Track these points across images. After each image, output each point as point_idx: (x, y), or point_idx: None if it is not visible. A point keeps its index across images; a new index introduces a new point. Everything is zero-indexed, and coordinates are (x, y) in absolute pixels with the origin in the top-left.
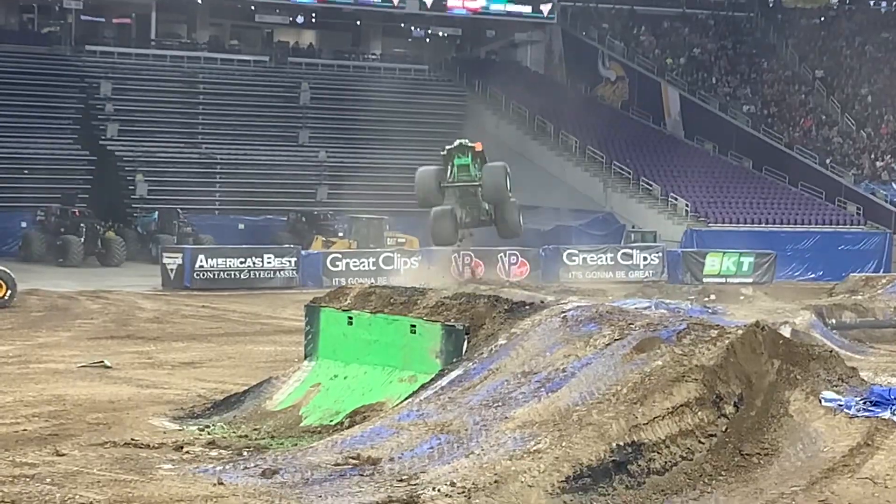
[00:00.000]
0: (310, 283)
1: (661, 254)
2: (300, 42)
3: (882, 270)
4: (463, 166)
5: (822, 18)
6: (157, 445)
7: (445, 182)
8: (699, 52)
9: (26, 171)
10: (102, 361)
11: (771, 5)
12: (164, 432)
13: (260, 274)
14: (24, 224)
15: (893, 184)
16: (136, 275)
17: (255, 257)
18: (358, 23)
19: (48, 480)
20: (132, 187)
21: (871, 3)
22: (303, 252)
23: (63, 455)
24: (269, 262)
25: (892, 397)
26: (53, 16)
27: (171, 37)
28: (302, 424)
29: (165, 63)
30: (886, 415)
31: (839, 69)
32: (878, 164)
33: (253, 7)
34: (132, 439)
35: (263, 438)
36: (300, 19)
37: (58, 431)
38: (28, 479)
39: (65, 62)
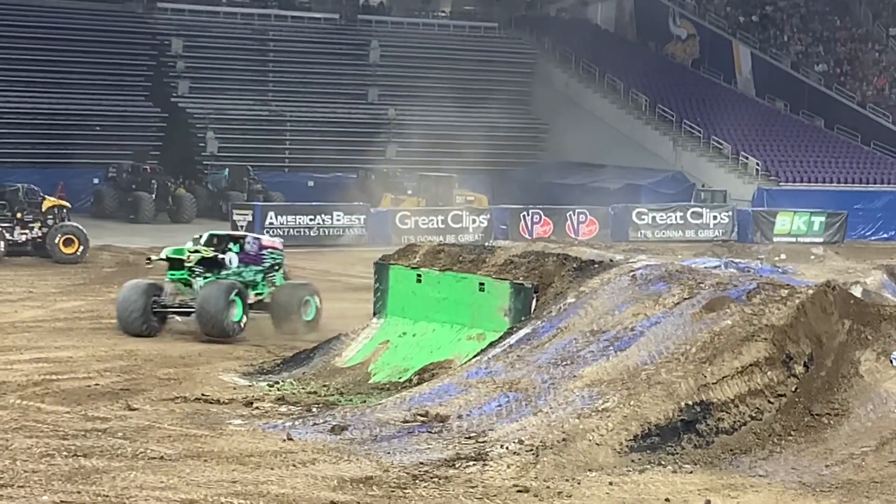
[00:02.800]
0: (378, 241)
1: (731, 213)
2: (370, 0)
3: None
4: (179, 279)
5: None
6: (227, 401)
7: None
8: (771, 10)
9: (98, 128)
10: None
11: None
12: (234, 388)
13: (329, 231)
14: (95, 181)
15: None
16: (205, 231)
17: (325, 214)
18: None
19: (120, 434)
20: (203, 144)
21: None
22: (372, 210)
23: (134, 409)
24: (338, 220)
25: None
26: None
27: None
28: (370, 381)
29: (236, 20)
30: None
31: None
32: None
33: None
34: (202, 395)
35: (332, 395)
36: None
37: (129, 386)
38: (100, 433)
39: (136, 19)
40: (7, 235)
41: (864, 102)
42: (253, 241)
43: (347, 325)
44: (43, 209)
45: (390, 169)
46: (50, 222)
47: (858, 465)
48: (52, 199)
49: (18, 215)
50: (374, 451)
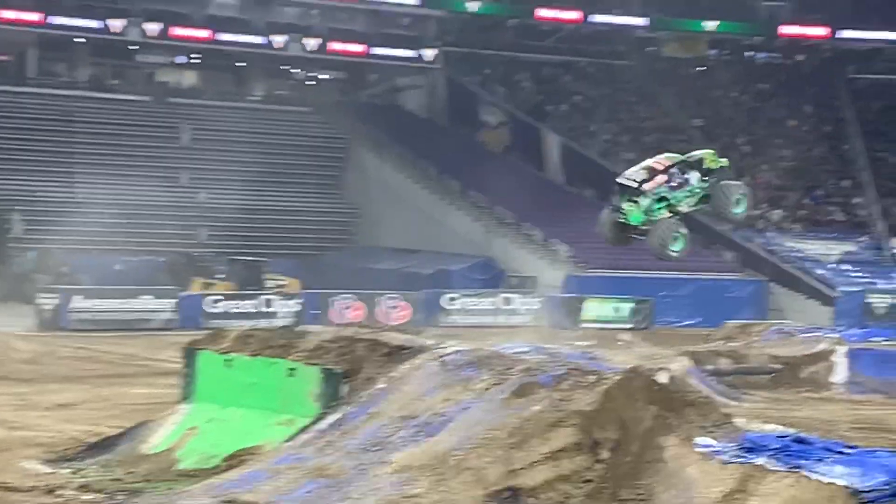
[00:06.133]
0: (189, 325)
1: (541, 299)
2: (181, 82)
3: (758, 318)
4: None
5: (702, 68)
6: (27, 489)
7: None
8: (580, 99)
9: None
10: None
11: (650, 54)
12: (36, 475)
13: (137, 315)
14: None
15: (768, 232)
16: (10, 315)
17: (133, 298)
18: (240, 64)
19: None
20: (8, 226)
21: (747, 53)
22: (181, 294)
23: None
24: (147, 304)
25: (765, 444)
26: None
27: (51, 75)
28: (178, 468)
29: (43, 100)
30: (759, 461)
31: (717, 118)
32: (755, 212)
33: (135, 46)
34: (2, 482)
35: (138, 482)
36: (182, 59)
37: None
38: None
39: None
40: None
41: None
42: None
43: (155, 411)
44: None
45: (201, 253)
46: None
47: None
48: None
49: None
50: None
